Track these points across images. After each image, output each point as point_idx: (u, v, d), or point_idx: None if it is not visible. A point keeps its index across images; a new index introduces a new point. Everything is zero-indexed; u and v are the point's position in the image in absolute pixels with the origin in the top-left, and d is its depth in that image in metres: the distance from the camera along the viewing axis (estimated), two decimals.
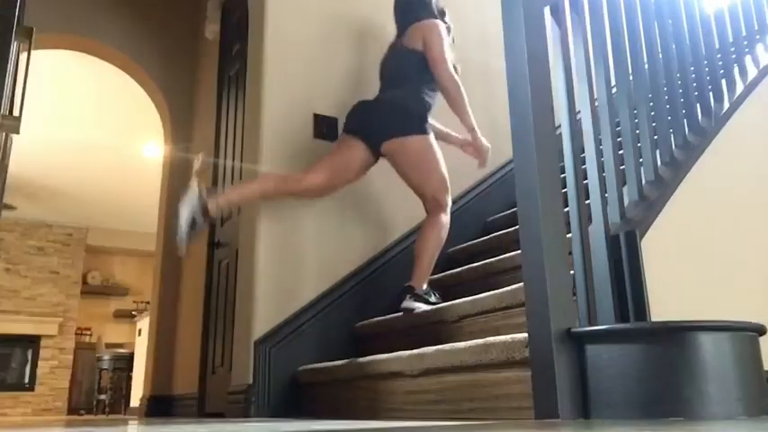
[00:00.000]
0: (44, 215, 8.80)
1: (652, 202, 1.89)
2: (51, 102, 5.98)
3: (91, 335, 9.50)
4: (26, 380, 8.43)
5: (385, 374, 2.12)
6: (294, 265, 2.78)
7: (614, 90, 1.99)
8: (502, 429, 1.15)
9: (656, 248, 1.79)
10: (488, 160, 2.74)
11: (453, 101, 2.58)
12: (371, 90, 2.83)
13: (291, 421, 2.06)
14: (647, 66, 2.11)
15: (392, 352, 2.15)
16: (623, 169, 1.90)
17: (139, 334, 7.46)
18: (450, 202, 2.58)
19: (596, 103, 1.80)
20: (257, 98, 2.95)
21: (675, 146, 2.11)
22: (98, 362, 8.16)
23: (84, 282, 9.36)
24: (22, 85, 1.99)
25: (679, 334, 1.37)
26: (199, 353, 3.60)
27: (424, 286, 2.49)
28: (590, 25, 1.89)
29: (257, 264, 2.72)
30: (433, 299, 2.47)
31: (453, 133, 2.87)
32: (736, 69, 2.52)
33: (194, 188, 2.43)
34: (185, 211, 2.40)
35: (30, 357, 8.50)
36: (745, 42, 2.67)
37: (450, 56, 2.63)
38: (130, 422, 2.73)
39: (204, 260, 3.74)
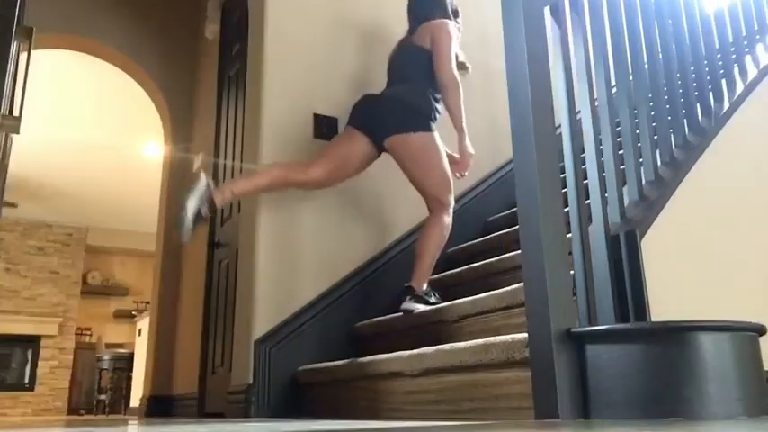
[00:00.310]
0: (44, 215, 8.79)
1: (652, 202, 1.89)
2: (51, 102, 5.98)
3: (91, 335, 9.50)
4: (26, 380, 8.43)
5: (385, 374, 2.12)
6: (294, 265, 2.78)
7: (614, 90, 1.99)
8: (502, 429, 1.15)
9: (656, 248, 1.79)
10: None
11: (449, 97, 2.56)
12: (372, 90, 2.83)
13: (291, 421, 2.06)
14: (647, 66, 2.11)
15: (392, 352, 2.15)
16: (623, 169, 1.90)
17: (139, 334, 7.46)
18: (452, 202, 2.57)
19: (596, 103, 1.80)
20: (257, 98, 2.95)
21: (675, 146, 2.11)
22: (98, 362, 8.16)
23: (84, 282, 9.36)
24: (22, 85, 1.99)
25: (679, 334, 1.37)
26: (199, 353, 3.60)
27: (425, 286, 2.49)
28: (590, 25, 1.89)
29: (257, 264, 2.72)
30: (433, 299, 2.47)
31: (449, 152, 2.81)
32: (736, 69, 2.52)
33: (203, 180, 2.43)
34: (192, 201, 2.38)
35: (30, 357, 8.50)
36: (745, 42, 2.67)
37: (457, 55, 2.64)
38: (130, 422, 2.73)
39: (204, 260, 3.74)
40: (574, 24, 1.82)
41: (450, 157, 2.69)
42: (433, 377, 1.91)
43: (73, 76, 5.61)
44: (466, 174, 2.68)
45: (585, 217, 1.62)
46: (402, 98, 2.58)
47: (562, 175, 1.61)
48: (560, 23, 1.76)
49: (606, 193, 1.74)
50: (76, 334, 8.97)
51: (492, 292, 2.09)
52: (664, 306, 1.63)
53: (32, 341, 8.51)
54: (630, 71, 2.01)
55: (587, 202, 1.69)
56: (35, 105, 5.84)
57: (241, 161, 3.18)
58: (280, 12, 3.05)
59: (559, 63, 1.72)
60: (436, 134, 2.56)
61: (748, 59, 2.60)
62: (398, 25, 3.06)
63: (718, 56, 2.50)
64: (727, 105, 2.34)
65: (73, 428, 1.95)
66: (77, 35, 4.32)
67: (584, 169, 1.74)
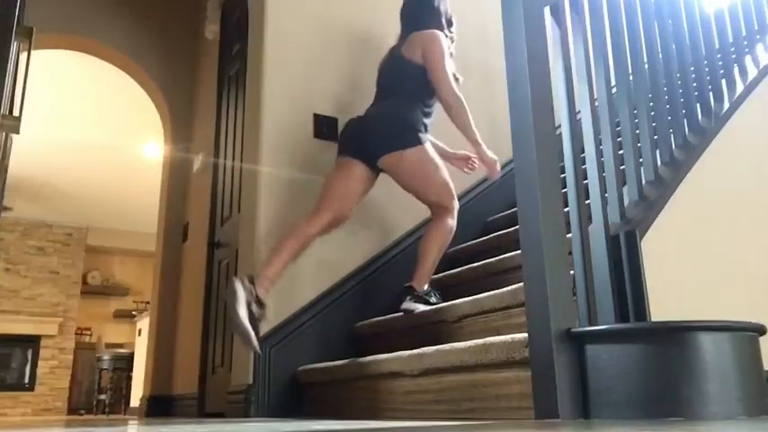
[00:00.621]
0: (44, 215, 8.79)
1: (652, 202, 1.89)
2: (51, 102, 5.98)
3: (91, 335, 9.50)
4: (26, 380, 8.43)
5: (385, 374, 2.12)
6: (294, 265, 2.78)
7: (614, 90, 1.99)
8: (502, 429, 1.15)
9: (656, 248, 1.79)
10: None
11: (456, 116, 2.52)
12: (371, 91, 2.82)
13: (291, 421, 2.06)
14: (647, 66, 2.11)
15: (392, 352, 2.15)
16: (623, 169, 1.90)
17: (139, 334, 7.46)
18: (456, 206, 2.56)
19: (596, 103, 1.80)
20: (257, 98, 2.95)
21: (675, 146, 2.11)
22: (98, 362, 8.16)
23: (84, 282, 9.36)
24: (22, 85, 1.99)
25: (679, 334, 1.37)
26: (199, 353, 3.60)
27: (425, 287, 2.49)
28: (590, 25, 1.89)
29: (257, 263, 2.72)
30: (433, 299, 2.47)
31: (451, 150, 2.81)
32: (736, 69, 2.52)
33: (237, 286, 2.26)
34: (242, 311, 2.23)
35: (30, 357, 8.50)
36: (745, 42, 2.67)
37: (450, 68, 2.57)
38: (130, 422, 2.73)
39: (204, 260, 3.74)
40: (574, 24, 1.82)
41: (460, 155, 2.74)
42: (432, 377, 1.91)
43: (73, 76, 5.61)
44: (498, 173, 2.62)
45: (585, 217, 1.62)
46: (389, 116, 2.53)
47: (562, 175, 1.61)
48: (560, 23, 1.76)
49: (606, 193, 1.74)
50: (76, 334, 8.98)
51: (492, 292, 2.09)
52: (664, 306, 1.63)
53: (32, 341, 8.51)
54: (630, 71, 2.01)
55: (587, 202, 1.69)
56: (35, 105, 5.84)
57: (241, 161, 3.18)
58: (280, 12, 3.05)
59: (559, 63, 1.72)
60: (428, 144, 2.50)
61: (748, 59, 2.60)
62: (398, 26, 3.06)
63: (718, 56, 2.50)
64: (727, 105, 2.34)
65: (73, 428, 1.95)
66: (77, 35, 4.32)
67: (584, 169, 1.74)
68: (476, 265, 2.63)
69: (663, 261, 1.85)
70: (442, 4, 2.76)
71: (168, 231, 4.43)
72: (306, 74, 3.03)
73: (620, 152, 1.95)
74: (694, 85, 2.31)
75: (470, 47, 3.61)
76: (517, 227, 1.64)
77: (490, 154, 2.57)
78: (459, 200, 3.27)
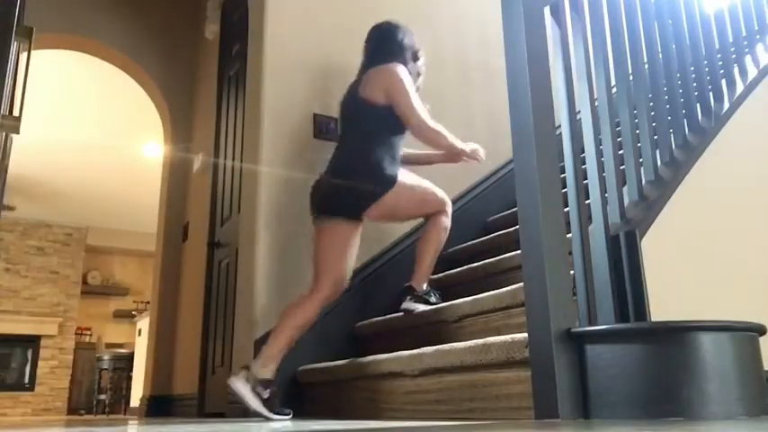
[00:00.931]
0: (44, 215, 8.79)
1: (652, 202, 1.89)
2: (51, 102, 5.98)
3: (91, 335, 9.50)
4: (26, 380, 8.43)
5: (385, 374, 2.12)
6: (294, 265, 2.78)
7: (614, 90, 1.99)
8: (502, 429, 1.15)
9: (656, 248, 1.79)
10: (487, 156, 2.67)
11: (439, 146, 2.52)
12: None
13: (292, 421, 2.06)
14: (647, 66, 2.11)
15: (392, 352, 2.15)
16: (623, 169, 1.90)
17: (139, 334, 7.46)
18: (449, 205, 2.56)
19: (596, 103, 1.80)
20: (257, 98, 2.95)
21: (675, 146, 2.11)
22: (98, 362, 8.16)
23: (84, 282, 9.36)
24: (22, 85, 1.99)
25: (679, 334, 1.37)
26: (199, 353, 3.60)
27: (424, 286, 2.49)
28: (590, 25, 1.89)
29: (257, 264, 2.72)
30: (433, 299, 2.47)
31: (425, 151, 2.73)
32: (736, 69, 2.52)
33: (237, 386, 2.22)
34: (253, 402, 2.21)
35: (30, 357, 8.50)
36: (745, 42, 2.67)
37: (417, 101, 2.47)
38: (130, 422, 2.73)
39: (204, 260, 3.74)
40: (574, 24, 1.82)
41: (445, 156, 2.64)
42: (432, 377, 1.91)
43: (73, 76, 5.61)
44: (482, 156, 2.61)
45: (585, 217, 1.62)
46: (357, 168, 2.42)
47: (562, 175, 1.61)
48: (560, 23, 1.76)
49: (606, 193, 1.74)
50: (76, 334, 8.98)
51: (492, 292, 2.09)
52: (664, 306, 1.63)
53: (32, 341, 8.51)
54: (630, 71, 2.01)
55: (587, 202, 1.69)
56: (35, 105, 5.84)
57: (241, 161, 3.18)
58: (279, 12, 3.05)
59: (559, 63, 1.72)
60: (401, 180, 2.42)
61: (748, 59, 2.60)
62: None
63: (719, 56, 2.50)
64: (727, 105, 2.34)
65: (73, 428, 1.95)
66: (78, 35, 4.32)
67: (584, 169, 1.74)
68: (476, 265, 2.63)
69: (663, 261, 1.85)
70: (407, 38, 2.64)
71: (168, 231, 4.43)
72: (306, 74, 3.03)
73: (620, 152, 1.95)
74: (694, 85, 2.31)
75: (470, 47, 3.61)
76: (517, 227, 1.64)
77: (471, 145, 2.57)
78: (459, 200, 3.29)
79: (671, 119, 2.14)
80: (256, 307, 2.68)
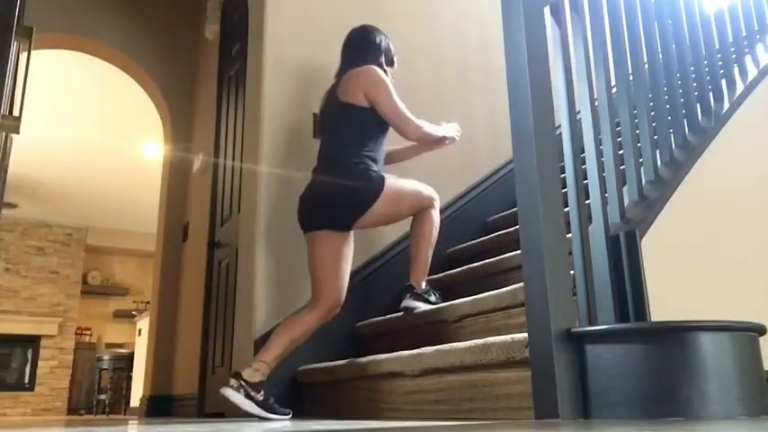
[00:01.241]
0: (44, 215, 8.79)
1: (652, 202, 1.89)
2: (51, 102, 5.98)
3: (91, 335, 9.50)
4: (26, 380, 8.43)
5: (385, 374, 2.12)
6: (294, 265, 2.78)
7: (614, 90, 1.99)
8: (502, 429, 1.15)
9: (656, 248, 1.79)
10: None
11: (426, 144, 2.58)
12: None
13: (291, 421, 2.06)
14: (647, 66, 2.11)
15: (392, 352, 2.15)
16: (623, 169, 1.90)
17: (139, 334, 7.46)
18: (435, 197, 2.52)
19: (596, 103, 1.80)
20: (257, 98, 2.95)
21: (675, 146, 2.11)
22: (98, 362, 8.16)
23: (84, 282, 9.36)
24: (22, 85, 1.99)
25: (679, 334, 1.37)
26: (199, 353, 3.60)
27: (423, 285, 2.49)
28: (590, 25, 1.89)
29: (257, 264, 2.72)
30: (432, 298, 2.47)
31: (405, 145, 2.70)
32: (736, 69, 2.52)
33: (229, 395, 2.22)
34: (251, 407, 2.21)
35: (30, 357, 8.50)
36: (745, 42, 2.67)
37: (401, 104, 2.47)
38: (130, 422, 2.73)
39: (204, 260, 3.74)
40: (574, 24, 1.82)
41: (432, 140, 2.61)
42: (432, 377, 1.91)
43: (73, 76, 5.61)
44: (458, 133, 2.63)
45: (585, 217, 1.62)
46: (344, 181, 2.38)
47: (562, 175, 1.61)
48: (560, 23, 1.76)
49: (606, 193, 1.74)
50: (76, 334, 8.98)
51: (492, 292, 2.09)
52: (664, 306, 1.63)
53: (32, 341, 8.51)
54: (630, 71, 2.01)
55: (587, 202, 1.69)
56: (35, 105, 5.84)
57: (241, 161, 3.18)
58: (279, 12, 3.05)
59: (559, 63, 1.72)
60: (388, 181, 2.40)
61: (748, 59, 2.60)
62: (398, 24, 3.07)
63: (719, 56, 2.50)
64: (727, 105, 2.34)
65: (73, 428, 1.95)
66: (78, 35, 4.32)
67: (584, 169, 1.74)
68: (476, 265, 2.63)
69: (663, 261, 1.85)
70: (384, 41, 2.63)
71: (168, 231, 4.43)
72: (305, 74, 3.03)
73: (620, 152, 1.95)
74: (694, 85, 2.31)
75: (470, 47, 3.61)
76: (517, 227, 1.64)
77: (445, 128, 2.59)
78: (459, 200, 3.29)
79: (671, 119, 2.14)
80: (256, 307, 2.68)
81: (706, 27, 2.46)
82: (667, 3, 2.28)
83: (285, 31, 3.04)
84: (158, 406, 4.11)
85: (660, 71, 2.15)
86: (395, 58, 2.68)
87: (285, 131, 2.92)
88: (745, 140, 2.37)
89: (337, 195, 2.39)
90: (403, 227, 3.04)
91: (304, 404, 2.59)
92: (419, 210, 2.50)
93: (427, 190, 2.52)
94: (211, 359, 3.44)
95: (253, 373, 2.25)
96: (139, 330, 7.52)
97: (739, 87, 2.43)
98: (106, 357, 8.06)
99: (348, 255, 2.45)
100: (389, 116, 2.45)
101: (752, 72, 2.52)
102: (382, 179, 2.39)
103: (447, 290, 2.65)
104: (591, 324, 1.51)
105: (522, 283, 1.68)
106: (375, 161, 2.44)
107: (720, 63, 2.50)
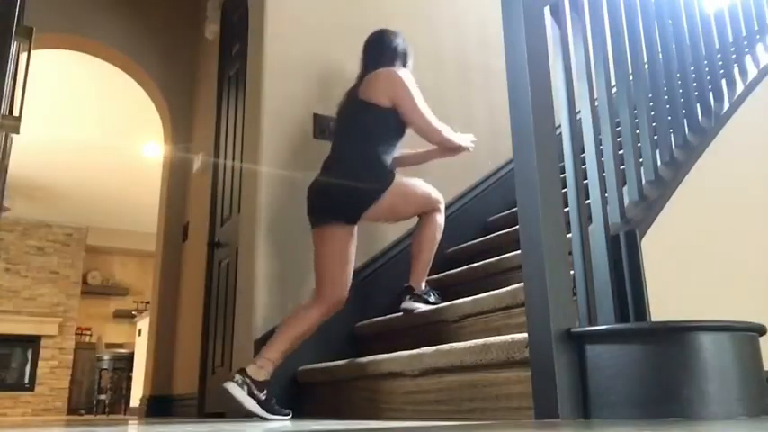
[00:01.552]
0: (44, 215, 8.79)
1: (652, 202, 1.89)
2: (51, 102, 5.98)
3: (91, 335, 9.50)
4: (26, 380, 8.43)
5: (385, 374, 2.12)
6: (294, 265, 2.78)
7: (614, 90, 1.99)
8: (502, 429, 1.15)
9: (656, 248, 1.79)
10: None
11: (442, 151, 2.61)
12: None
13: (291, 421, 2.06)
14: (647, 66, 2.11)
15: (392, 352, 2.15)
16: (623, 169, 1.90)
17: (139, 334, 7.46)
18: (442, 201, 2.55)
19: (596, 103, 1.80)
20: (257, 98, 2.95)
21: (675, 146, 2.11)
22: (98, 362, 8.16)
23: (85, 282, 9.36)
24: (22, 85, 1.99)
25: (679, 334, 1.37)
26: (199, 353, 3.60)
27: (423, 286, 2.49)
28: (590, 25, 1.89)
29: (257, 264, 2.72)
30: (432, 299, 2.47)
31: (418, 150, 2.73)
32: (736, 69, 2.52)
33: (233, 390, 2.21)
34: (252, 405, 2.20)
35: (30, 357, 8.50)
36: (745, 42, 2.67)
37: (426, 107, 2.50)
38: (130, 422, 2.73)
39: (204, 260, 3.74)
40: (574, 24, 1.82)
41: (447, 148, 2.64)
42: (432, 377, 1.91)
43: (73, 76, 5.61)
44: (472, 145, 2.65)
45: (585, 217, 1.62)
46: (353, 172, 2.40)
47: (562, 175, 1.61)
48: (560, 23, 1.76)
49: (606, 193, 1.74)
50: (76, 334, 8.98)
51: (492, 292, 2.09)
52: (664, 306, 1.63)
53: (32, 341, 8.51)
54: (630, 71, 2.01)
55: (587, 202, 1.69)
56: (35, 105, 5.84)
57: (241, 161, 3.18)
58: (279, 12, 3.05)
59: (559, 63, 1.72)
60: (397, 179, 2.42)
61: (748, 59, 2.60)
62: (398, 24, 3.06)
63: (719, 56, 2.50)
64: (727, 105, 2.34)
65: (73, 428, 1.95)
66: (78, 35, 4.32)
67: (584, 169, 1.74)
68: (476, 265, 2.63)
69: (663, 261, 1.85)
70: (402, 43, 2.65)
71: (168, 231, 4.43)
72: (306, 74, 3.03)
73: (620, 152, 1.95)
74: (694, 85, 2.30)
75: (470, 47, 3.61)
76: (517, 227, 1.64)
77: (465, 141, 2.61)
78: (458, 200, 3.29)
79: (671, 119, 2.14)
80: (256, 307, 2.68)
81: (706, 27, 2.46)
82: (667, 3, 2.28)
83: (285, 30, 3.04)
84: (158, 406, 4.11)
85: (660, 71, 2.15)
86: (409, 57, 2.68)
87: (285, 131, 2.92)
88: (745, 140, 2.37)
89: (346, 186, 2.40)
90: (403, 226, 3.04)
91: (304, 404, 2.59)
92: (425, 211, 2.51)
93: (435, 193, 2.53)
94: (211, 359, 3.44)
95: (257, 371, 2.25)
96: (139, 330, 7.52)
97: (739, 87, 2.43)
98: (106, 357, 8.06)
99: (352, 251, 2.46)
100: (412, 117, 2.47)
101: (752, 72, 2.52)
102: (392, 174, 2.42)
103: (447, 290, 2.65)
104: (591, 324, 1.51)
105: (522, 283, 1.68)
106: (388, 160, 2.46)
107: (720, 63, 2.50)
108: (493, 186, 3.42)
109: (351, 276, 2.46)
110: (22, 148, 6.54)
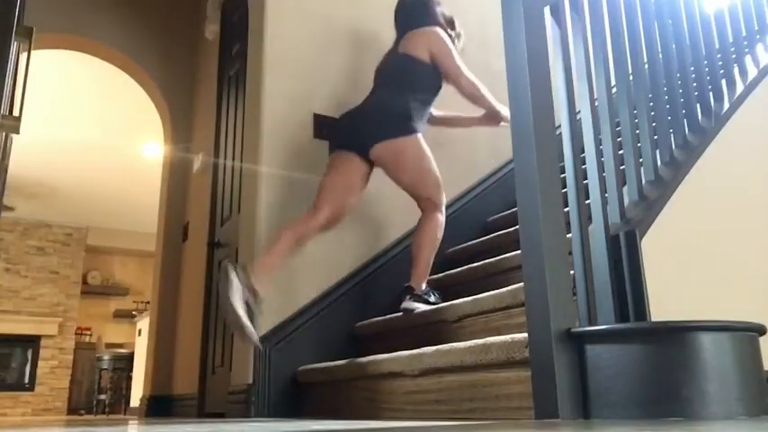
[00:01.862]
0: (44, 215, 8.79)
1: (652, 202, 1.89)
2: (51, 102, 5.98)
3: (91, 335, 9.50)
4: (26, 380, 8.43)
5: (385, 374, 2.12)
6: (294, 265, 2.78)
7: (614, 90, 1.99)
8: (502, 429, 1.15)
9: (656, 248, 1.79)
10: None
11: (477, 101, 2.66)
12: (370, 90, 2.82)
13: (291, 421, 2.06)
14: (647, 66, 2.11)
15: (392, 352, 2.15)
16: (623, 169, 1.90)
17: (139, 334, 7.46)
18: (444, 200, 2.57)
19: (596, 103, 1.80)
20: (257, 98, 2.95)
21: (675, 146, 2.11)
22: (98, 362, 8.16)
23: (85, 282, 9.36)
24: (22, 85, 1.99)
25: (679, 334, 1.37)
26: (199, 353, 3.60)
27: (423, 286, 2.49)
28: (590, 25, 1.89)
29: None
30: (432, 299, 2.47)
31: (462, 114, 2.89)
32: (736, 69, 2.52)
33: (232, 275, 2.21)
34: (238, 303, 2.18)
35: (30, 357, 8.50)
36: (745, 42, 2.67)
37: (460, 60, 2.63)
38: (130, 422, 2.73)
39: (204, 260, 3.74)
40: (574, 24, 1.82)
41: (474, 118, 2.81)
42: (432, 377, 1.91)
43: (73, 76, 5.61)
44: (506, 120, 2.72)
45: (585, 217, 1.62)
46: (381, 105, 2.55)
47: (562, 175, 1.61)
48: (560, 23, 1.76)
49: (606, 193, 1.74)
50: (76, 334, 8.98)
51: (492, 292, 2.09)
52: (664, 306, 1.63)
53: (32, 341, 8.51)
54: (630, 71, 2.01)
55: (587, 202, 1.69)
56: (35, 105, 5.84)
57: (241, 161, 3.18)
58: (279, 12, 3.05)
59: (559, 63, 1.72)
60: (420, 136, 2.52)
61: (748, 59, 2.60)
62: None
63: (719, 56, 2.50)
64: (727, 105, 2.34)
65: (73, 428, 1.95)
66: (77, 35, 4.32)
67: (584, 169, 1.74)
68: (476, 265, 2.63)
69: (663, 261, 1.85)
70: (437, 6, 2.78)
71: (168, 231, 4.43)
72: (306, 74, 3.03)
73: (620, 152, 1.95)
74: (694, 85, 2.30)
75: (470, 48, 3.61)
76: (517, 227, 1.64)
77: (505, 110, 2.68)
78: (458, 200, 3.29)
79: (671, 119, 2.14)
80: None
81: (706, 27, 2.46)
82: (667, 3, 2.28)
83: (285, 30, 3.04)
84: (158, 406, 4.11)
85: (660, 71, 2.15)
86: (454, 19, 2.84)
87: (285, 131, 2.92)
88: (745, 140, 2.37)
89: (370, 118, 2.52)
90: (404, 226, 3.04)
91: (304, 404, 2.59)
92: (423, 192, 2.52)
93: (441, 186, 2.55)
94: (211, 359, 3.44)
95: (254, 278, 2.25)
96: (139, 330, 7.52)
97: (739, 87, 2.43)
98: (106, 357, 8.06)
99: (358, 185, 2.54)
100: (448, 65, 2.58)
101: (752, 72, 2.52)
102: (419, 128, 2.52)
103: (447, 290, 2.65)
104: (591, 324, 1.51)
105: (522, 283, 1.68)
106: (421, 115, 2.55)
107: (720, 63, 2.50)
108: (493, 186, 3.42)
109: (350, 205, 2.53)
110: (22, 148, 6.54)
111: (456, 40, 2.80)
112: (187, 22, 4.72)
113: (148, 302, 7.01)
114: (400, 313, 2.49)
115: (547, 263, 1.48)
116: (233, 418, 2.63)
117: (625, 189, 1.87)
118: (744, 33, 2.71)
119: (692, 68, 2.35)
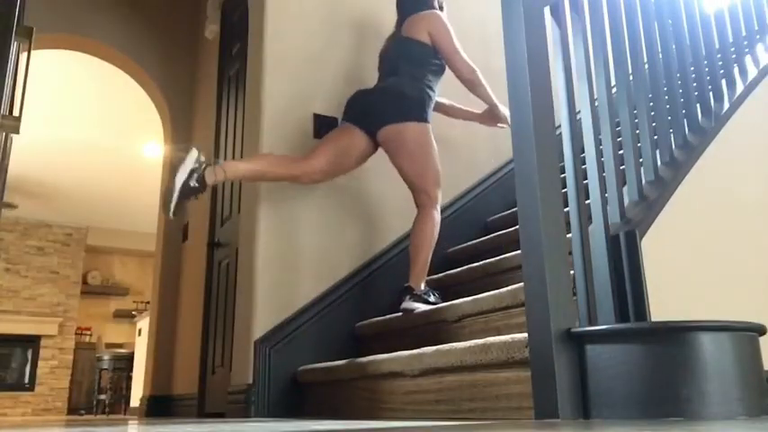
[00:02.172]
0: (44, 215, 8.80)
1: (652, 202, 1.89)
2: (51, 102, 5.98)
3: (91, 335, 9.50)
4: (26, 380, 8.43)
5: (385, 374, 2.12)
6: (294, 265, 2.78)
7: (614, 90, 1.99)
8: (502, 429, 1.15)
9: (656, 248, 1.79)
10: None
11: (475, 88, 2.69)
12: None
13: (291, 421, 2.06)
14: (647, 66, 2.11)
15: (392, 352, 2.15)
16: (623, 169, 1.90)
17: (139, 334, 7.47)
18: (440, 197, 2.57)
19: (596, 103, 1.80)
20: (257, 98, 2.95)
21: (675, 146, 2.11)
22: (98, 362, 8.17)
23: (85, 282, 9.37)
24: (22, 85, 1.99)
25: (679, 334, 1.37)
26: (199, 353, 3.60)
27: (423, 286, 2.49)
28: (590, 25, 1.89)
29: (257, 264, 2.72)
30: (432, 298, 2.47)
31: (465, 107, 2.96)
32: (736, 69, 2.52)
33: (194, 153, 2.39)
34: (182, 174, 2.35)
35: (30, 357, 8.51)
36: (745, 42, 2.67)
37: (459, 46, 2.69)
38: (130, 422, 2.73)
39: (204, 260, 3.74)
40: (574, 24, 1.82)
41: (476, 113, 2.90)
42: (432, 377, 1.91)
43: (73, 76, 5.61)
44: (505, 121, 2.81)
45: (585, 217, 1.62)
46: (394, 88, 2.60)
47: (562, 175, 1.61)
48: (560, 23, 1.76)
49: (606, 193, 1.74)
50: (76, 334, 8.98)
51: (492, 292, 2.09)
52: (664, 306, 1.63)
53: (32, 341, 8.51)
54: (630, 71, 2.01)
55: (587, 202, 1.69)
56: (35, 105, 5.84)
57: None
58: (279, 11, 3.05)
59: (559, 63, 1.72)
60: (429, 126, 2.58)
61: (748, 59, 2.60)
62: None
63: (719, 56, 2.50)
64: (727, 105, 2.34)
65: (73, 428, 1.95)
66: (77, 35, 4.32)
67: (584, 169, 1.74)
68: (476, 265, 2.63)
69: (663, 261, 1.85)
70: None
71: (168, 231, 4.43)
72: (306, 74, 3.03)
73: (620, 152, 1.95)
74: (694, 85, 2.30)
75: (470, 47, 3.61)
76: (517, 227, 1.64)
77: (504, 110, 2.76)
78: (459, 200, 3.29)
79: (671, 119, 2.14)
80: (256, 307, 2.68)
81: (706, 27, 2.46)
82: (667, 3, 2.28)
83: (285, 30, 3.04)
84: (158, 406, 4.11)
85: (660, 71, 2.15)
86: (443, 5, 2.90)
87: (285, 131, 2.92)
88: (745, 140, 2.37)
89: (383, 99, 2.59)
90: (403, 226, 3.04)
91: (304, 404, 2.59)
92: (421, 183, 2.54)
93: (439, 184, 2.58)
94: (211, 359, 3.44)
95: (219, 169, 2.42)
96: (139, 330, 7.52)
97: (739, 87, 2.43)
98: (106, 357, 8.07)
99: (360, 157, 2.63)
100: (446, 48, 2.65)
101: (752, 72, 2.52)
102: (428, 117, 2.58)
103: (447, 290, 2.65)
104: (591, 324, 1.51)
105: (522, 283, 1.68)
106: (430, 96, 2.61)
107: (720, 63, 2.50)
108: (493, 186, 3.42)
109: (341, 169, 2.62)
110: (22, 148, 6.54)
111: None
112: (187, 22, 4.72)
113: (148, 302, 7.02)
114: (400, 313, 2.49)
115: (547, 263, 1.48)
116: (233, 418, 2.63)
117: (625, 189, 1.87)
118: (744, 33, 2.71)
119: (692, 68, 2.35)
